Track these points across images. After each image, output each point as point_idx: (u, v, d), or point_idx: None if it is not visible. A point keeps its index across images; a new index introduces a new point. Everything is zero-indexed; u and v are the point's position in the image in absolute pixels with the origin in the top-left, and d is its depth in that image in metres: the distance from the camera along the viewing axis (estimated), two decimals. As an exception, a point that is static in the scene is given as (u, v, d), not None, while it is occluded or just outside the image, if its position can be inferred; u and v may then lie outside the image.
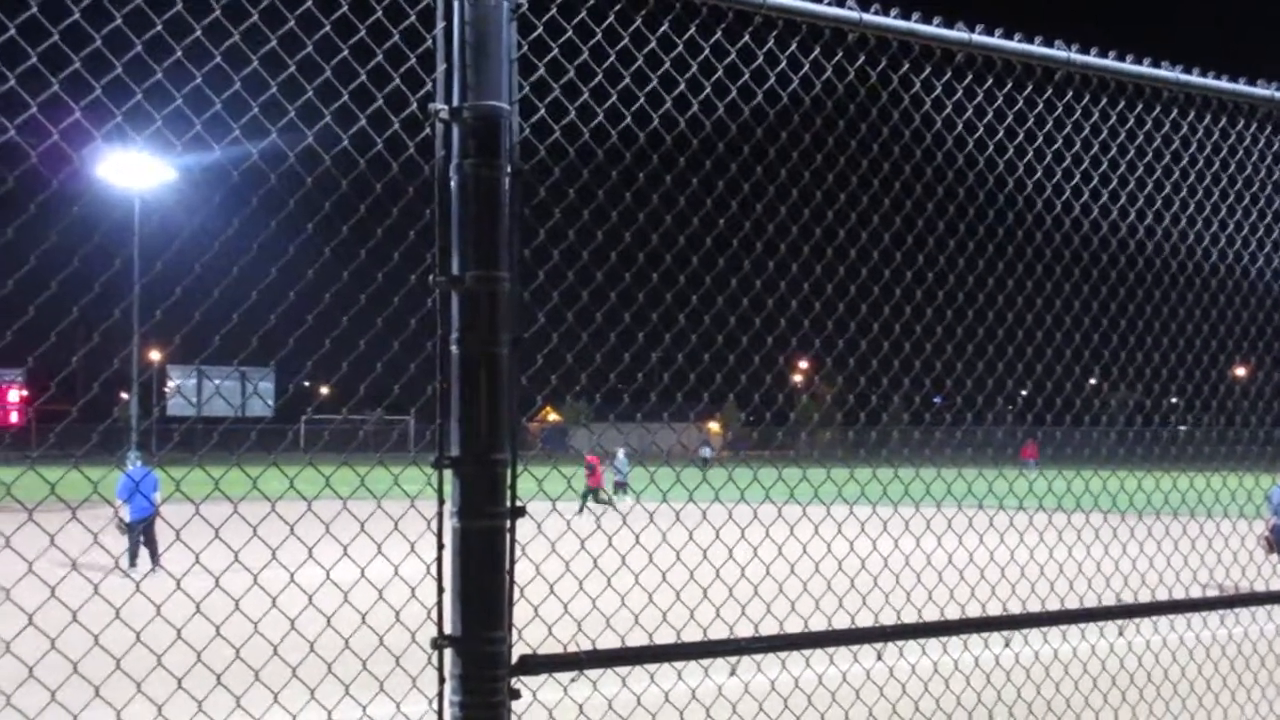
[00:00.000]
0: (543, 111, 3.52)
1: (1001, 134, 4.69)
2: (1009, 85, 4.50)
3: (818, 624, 4.53)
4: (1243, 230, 5.71)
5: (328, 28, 3.30)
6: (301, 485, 3.42)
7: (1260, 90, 4.97)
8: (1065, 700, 6.21)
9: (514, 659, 3.08)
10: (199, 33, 3.10)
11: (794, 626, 4.83)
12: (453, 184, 3.06)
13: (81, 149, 3.20)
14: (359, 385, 3.88)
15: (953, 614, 4.62)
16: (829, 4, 3.82)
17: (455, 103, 3.06)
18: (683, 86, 3.88)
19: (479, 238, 3.03)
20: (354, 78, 3.36)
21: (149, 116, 3.14)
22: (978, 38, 4.15)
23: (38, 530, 3.37)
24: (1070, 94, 4.73)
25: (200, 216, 3.85)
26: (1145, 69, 4.59)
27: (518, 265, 3.11)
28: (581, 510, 28.70)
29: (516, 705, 3.11)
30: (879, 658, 4.67)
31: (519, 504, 3.08)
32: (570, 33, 3.61)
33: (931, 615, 4.38)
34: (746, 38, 3.86)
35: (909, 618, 4.15)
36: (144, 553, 19.65)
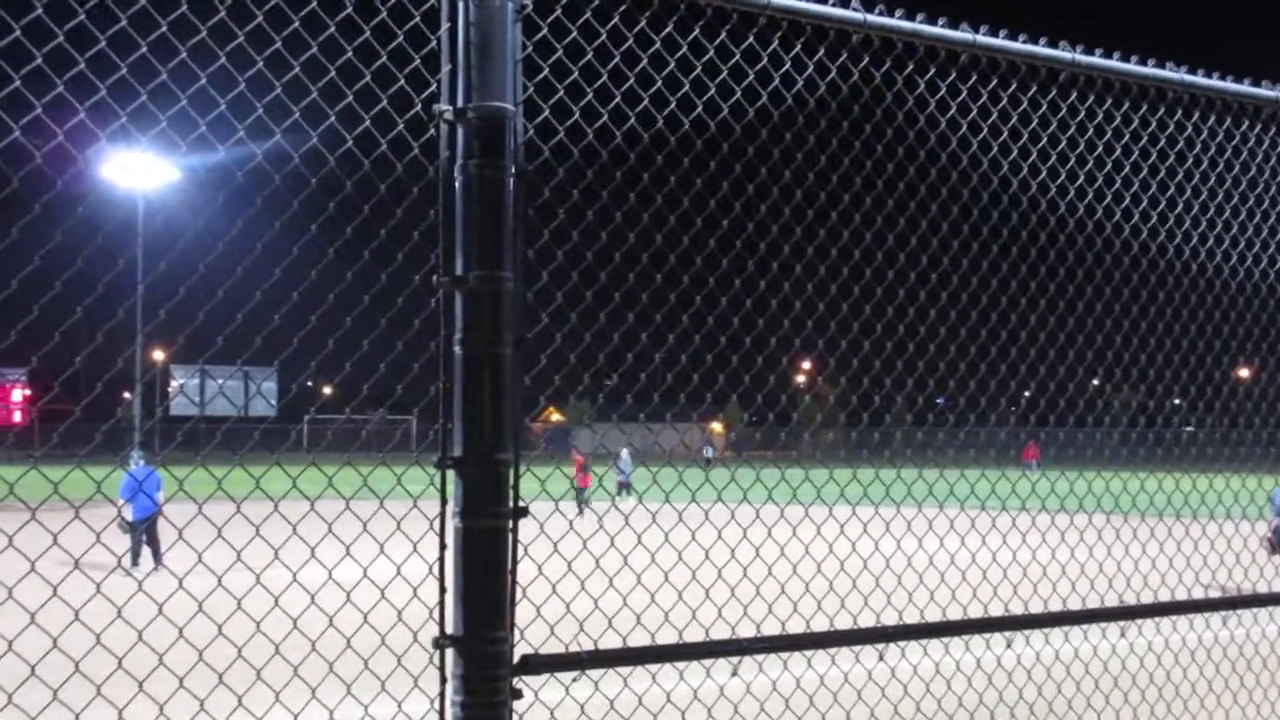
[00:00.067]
0: (547, 112, 3.53)
1: (1005, 135, 4.69)
2: (1013, 86, 4.50)
3: (820, 624, 4.53)
4: (1246, 231, 5.70)
5: (332, 29, 3.30)
6: (304, 485, 3.43)
7: (1265, 91, 4.96)
8: (1067, 701, 6.20)
9: (516, 659, 3.08)
10: (204, 33, 3.11)
11: (796, 627, 4.83)
12: (457, 184, 3.07)
13: (86, 149, 3.21)
14: (362, 385, 3.88)
15: (954, 615, 4.62)
16: (833, 5, 3.82)
17: (460, 103, 3.06)
18: (687, 87, 3.88)
19: (483, 238, 3.04)
20: (359, 78, 3.36)
21: (153, 117, 3.14)
22: (982, 39, 4.15)
23: (40, 529, 3.38)
24: (1074, 95, 4.73)
25: (204, 217, 3.85)
26: (1150, 70, 4.58)
27: (521, 266, 3.12)
28: (582, 511, 28.68)
29: (518, 705, 3.11)
30: (881, 658, 4.66)
31: (521, 504, 3.08)
32: (575, 34, 3.61)
33: (933, 616, 4.38)
34: (750, 39, 3.86)
35: (911, 618, 4.15)
36: (146, 552, 19.66)
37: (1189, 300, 5.77)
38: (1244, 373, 7.52)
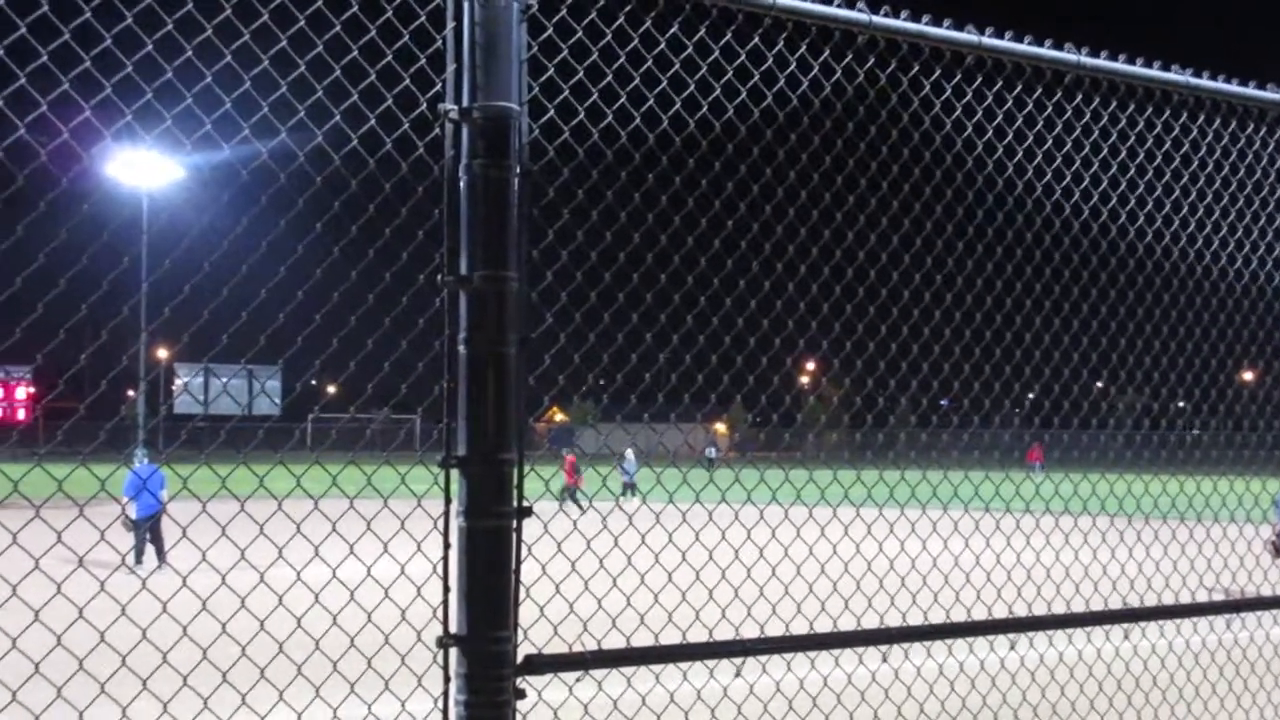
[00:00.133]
0: (552, 112, 3.53)
1: (1010, 137, 4.68)
2: (1018, 88, 4.49)
3: (823, 626, 4.53)
4: (1251, 234, 5.70)
5: (338, 28, 3.30)
6: (308, 484, 3.43)
7: (1271, 94, 4.96)
8: (1070, 704, 6.20)
9: (519, 658, 3.08)
10: (209, 32, 3.11)
11: (799, 628, 4.82)
12: (462, 184, 3.07)
13: (91, 147, 3.21)
14: (366, 384, 3.88)
15: (958, 617, 4.62)
16: (839, 6, 3.81)
17: (465, 103, 3.06)
18: (692, 88, 3.88)
19: (487, 238, 3.04)
20: (364, 78, 3.36)
21: (159, 115, 3.15)
22: (987, 40, 4.15)
23: (45, 527, 3.38)
24: (1080, 97, 4.72)
25: (209, 215, 3.86)
26: (1155, 72, 4.58)
27: (526, 265, 3.12)
28: (584, 511, 28.68)
29: (521, 705, 3.11)
30: (884, 660, 4.66)
31: (525, 504, 3.08)
32: (580, 34, 3.61)
33: (937, 618, 4.38)
34: (756, 39, 3.86)
35: (914, 620, 4.15)
36: (150, 550, 19.67)
37: (1193, 303, 5.76)
38: (1248, 376, 7.51)
